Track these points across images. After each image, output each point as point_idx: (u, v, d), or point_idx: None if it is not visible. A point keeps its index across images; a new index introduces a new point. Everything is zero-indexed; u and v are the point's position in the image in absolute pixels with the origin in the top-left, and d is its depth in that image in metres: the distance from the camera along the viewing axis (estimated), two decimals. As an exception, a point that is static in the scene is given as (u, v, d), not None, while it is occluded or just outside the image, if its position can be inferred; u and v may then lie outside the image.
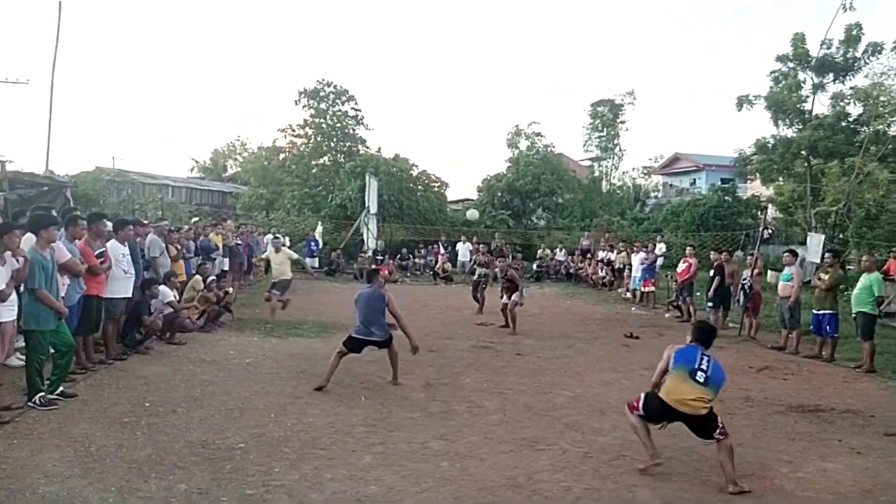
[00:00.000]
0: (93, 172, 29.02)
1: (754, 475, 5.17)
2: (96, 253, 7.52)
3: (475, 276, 16.43)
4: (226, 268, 14.61)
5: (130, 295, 8.48)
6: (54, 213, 8.10)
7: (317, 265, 22.47)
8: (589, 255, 22.76)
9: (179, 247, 11.35)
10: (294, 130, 33.38)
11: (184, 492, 4.43)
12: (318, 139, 32.61)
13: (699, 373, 5.04)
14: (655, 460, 5.06)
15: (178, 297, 10.01)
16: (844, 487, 4.97)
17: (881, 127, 20.93)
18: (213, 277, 11.79)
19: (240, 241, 16.69)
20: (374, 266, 21.25)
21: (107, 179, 28.13)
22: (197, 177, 45.87)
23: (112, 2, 79.28)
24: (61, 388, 6.39)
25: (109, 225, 8.39)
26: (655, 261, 17.47)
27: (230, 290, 12.37)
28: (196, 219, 18.66)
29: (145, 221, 11.64)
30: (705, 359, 5.15)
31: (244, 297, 14.69)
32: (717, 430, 4.95)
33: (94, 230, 7.71)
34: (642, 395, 5.23)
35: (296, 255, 14.61)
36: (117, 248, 8.13)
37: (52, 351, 6.42)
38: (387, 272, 19.95)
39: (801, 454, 5.75)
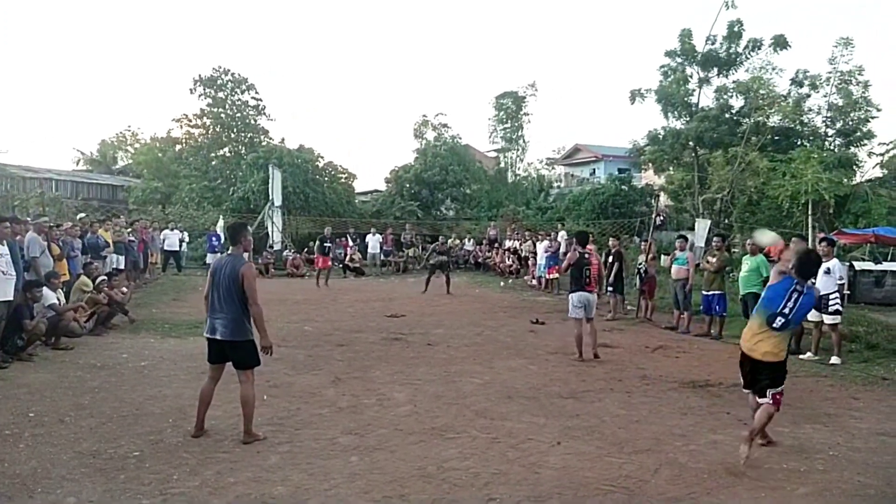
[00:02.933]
0: (-35, 166, 26.69)
1: (650, 450, 5.43)
2: (-33, 253, 6.90)
3: (433, 262, 17.05)
4: (119, 266, 13.82)
5: (11, 298, 7.87)
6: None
7: None
8: (496, 245, 23.18)
9: (62, 245, 10.60)
10: (190, 120, 31.88)
11: (73, 505, 4.15)
12: (217, 129, 31.31)
13: (778, 318, 5.25)
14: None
15: (62, 299, 9.35)
16: (733, 457, 5.27)
17: (761, 118, 22.48)
18: (104, 277, 11.10)
19: (133, 238, 15.82)
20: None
21: (-19, 174, 25.98)
22: (83, 170, 43.02)
23: (-19, -20, 72.64)
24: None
25: (-17, 223, 7.73)
26: (559, 249, 18.03)
27: (125, 289, 11.70)
28: (82, 214, 17.48)
29: (25, 218, 10.80)
30: (793, 297, 5.27)
31: (140, 296, 13.95)
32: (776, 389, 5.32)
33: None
34: None
35: None
36: (-7, 247, 7.50)
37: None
38: (328, 265, 18.74)
39: (693, 427, 6.09)
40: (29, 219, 10.93)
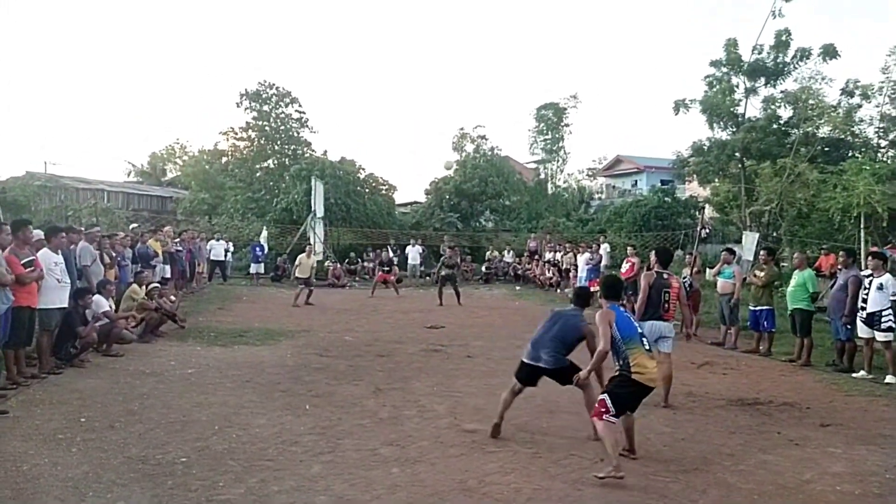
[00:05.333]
0: (23, 178, 27.84)
1: (697, 469, 5.30)
2: (24, 262, 7.17)
3: (443, 275, 17.08)
4: (167, 275, 14.19)
5: (66, 305, 8.14)
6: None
7: (262, 271, 22.03)
8: (536, 257, 23.05)
9: (114, 254, 10.93)
10: (236, 133, 32.64)
11: (122, 510, 4.26)
12: (262, 142, 31.97)
13: (644, 338, 5.38)
14: (619, 473, 4.85)
15: (113, 307, 9.64)
16: (783, 478, 5.14)
17: (810, 129, 21.84)
18: (156, 285, 11.42)
19: (181, 248, 16.22)
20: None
21: (38, 185, 27.01)
22: (134, 181, 44.39)
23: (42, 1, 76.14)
24: (-10, 406, 6.07)
25: (37, 232, 8.03)
26: (600, 261, 17.81)
27: (173, 298, 12.01)
28: (135, 225, 18.03)
29: (79, 228, 11.19)
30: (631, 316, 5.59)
31: (186, 305, 14.26)
32: None
33: (20, 238, 7.35)
34: (606, 396, 5.15)
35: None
36: (49, 256, 7.79)
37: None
38: (392, 278, 19.85)
39: (741, 447, 5.92)
40: (82, 228, 11.31)
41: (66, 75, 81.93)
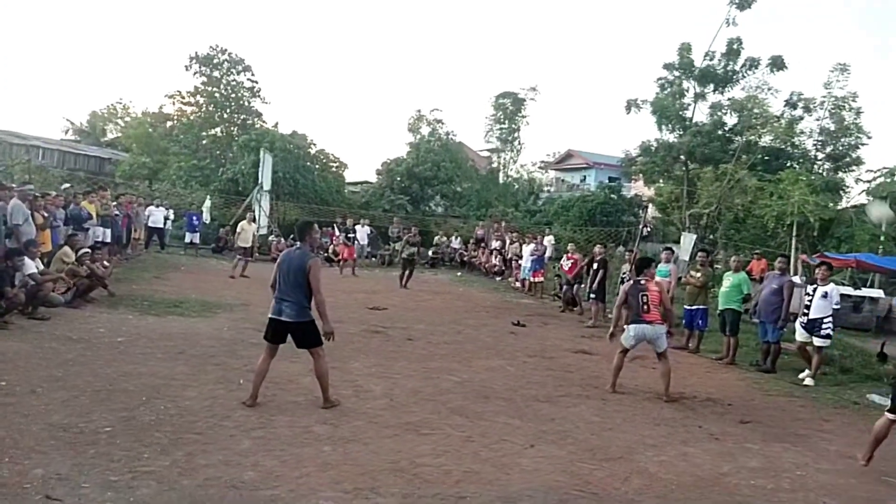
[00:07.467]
0: (-50, 128, 26.29)
1: (622, 458, 5.47)
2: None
3: (405, 255, 16.86)
4: (106, 239, 13.67)
5: (-11, 264, 7.77)
6: None
7: (197, 241, 21.36)
8: (482, 244, 23.20)
9: (46, 214, 10.47)
10: (184, 97, 31.56)
11: (40, 477, 4.11)
12: (210, 109, 30.98)
13: None
14: None
15: (41, 269, 9.25)
16: (702, 470, 5.36)
17: (753, 138, 22.69)
18: (87, 249, 11.00)
19: (118, 213, 15.63)
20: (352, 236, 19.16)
21: (-34, 137, 25.59)
22: (72, 139, 42.50)
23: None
24: None
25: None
26: (544, 252, 18.07)
27: (107, 263, 11.60)
28: (67, 185, 17.25)
29: (10, 185, 10.66)
30: None
31: (120, 271, 13.80)
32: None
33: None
34: None
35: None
36: (-27, 212, 7.41)
37: None
38: (354, 255, 19.22)
39: (664, 438, 6.15)
40: (14, 185, 10.79)
41: (2, 21, 77.45)
